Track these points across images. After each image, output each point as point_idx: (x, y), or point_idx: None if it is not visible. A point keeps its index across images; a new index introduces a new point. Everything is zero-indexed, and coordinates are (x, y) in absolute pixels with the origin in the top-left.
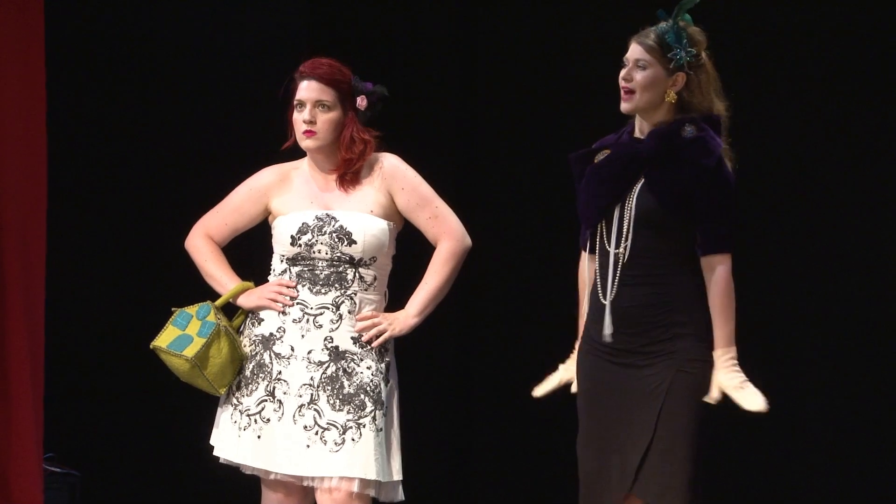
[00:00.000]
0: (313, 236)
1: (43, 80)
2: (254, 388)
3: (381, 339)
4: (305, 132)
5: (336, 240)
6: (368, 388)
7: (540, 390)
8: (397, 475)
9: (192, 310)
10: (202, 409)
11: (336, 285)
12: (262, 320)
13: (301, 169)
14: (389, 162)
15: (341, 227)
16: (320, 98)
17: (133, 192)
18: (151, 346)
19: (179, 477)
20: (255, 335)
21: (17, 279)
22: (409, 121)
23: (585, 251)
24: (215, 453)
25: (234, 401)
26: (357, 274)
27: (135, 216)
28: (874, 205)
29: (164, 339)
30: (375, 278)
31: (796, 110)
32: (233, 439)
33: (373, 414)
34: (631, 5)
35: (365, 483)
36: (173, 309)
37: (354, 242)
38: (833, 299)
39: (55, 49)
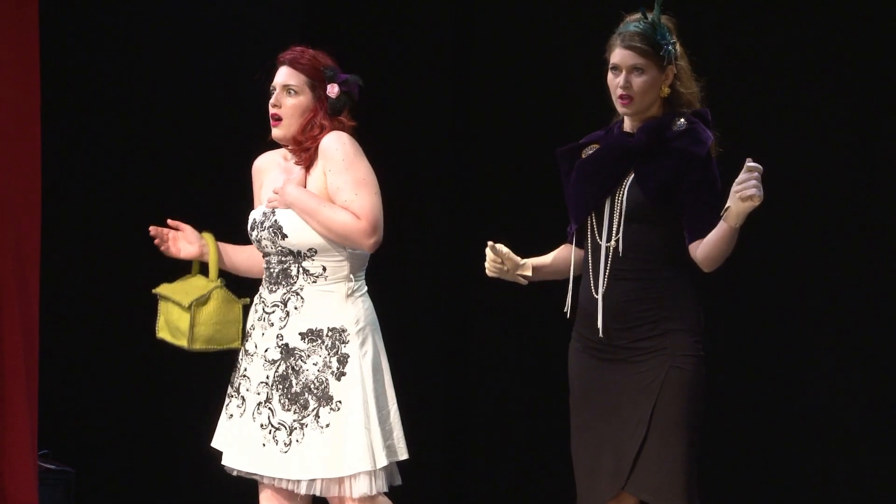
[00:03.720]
0: (258, 232)
1: (37, 77)
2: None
3: (274, 205)
4: (272, 116)
5: (273, 234)
6: (312, 386)
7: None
8: (354, 468)
9: None
10: (198, 406)
11: (283, 282)
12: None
13: (289, 155)
14: (324, 141)
15: (276, 221)
16: (287, 82)
17: (128, 188)
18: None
19: (174, 474)
20: (246, 330)
21: (12, 276)
22: (401, 117)
23: (570, 244)
24: (213, 444)
25: (230, 391)
26: (300, 268)
27: (130, 213)
28: (876, 198)
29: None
30: (325, 268)
31: (783, 100)
32: (222, 431)
33: (315, 412)
34: (618, 1)
35: (311, 484)
36: None
37: (286, 236)
38: (835, 297)
39: (49, 47)
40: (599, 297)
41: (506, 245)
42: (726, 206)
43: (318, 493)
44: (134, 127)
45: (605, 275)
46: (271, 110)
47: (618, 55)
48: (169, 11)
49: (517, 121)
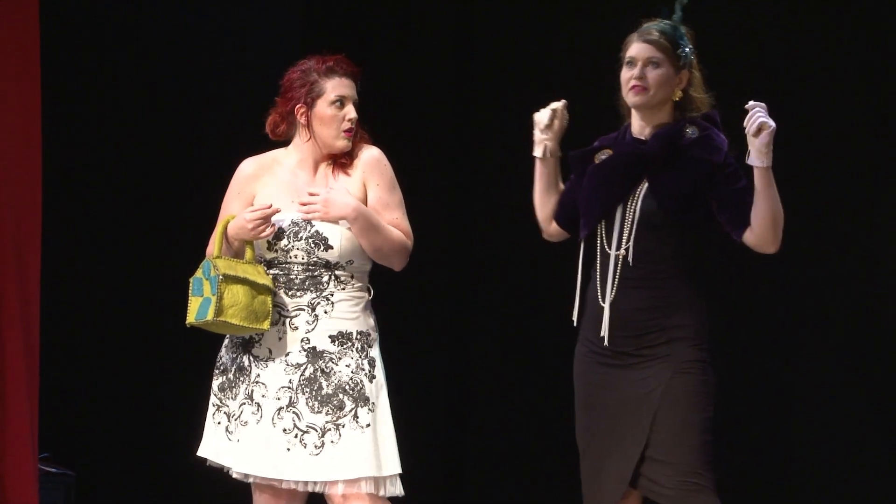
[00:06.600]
0: (289, 242)
1: (37, 77)
2: (237, 391)
3: (314, 217)
4: (348, 131)
5: (312, 245)
6: (348, 387)
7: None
8: (391, 469)
9: (199, 273)
10: (197, 409)
11: (311, 289)
12: None
13: (284, 162)
14: (372, 154)
15: (317, 231)
16: (356, 97)
17: (128, 190)
18: (188, 325)
19: (174, 477)
20: (237, 338)
21: (13, 278)
22: (401, 119)
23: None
24: (199, 453)
25: (219, 402)
26: (333, 276)
27: (130, 215)
28: (877, 198)
29: (191, 313)
30: (353, 276)
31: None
32: (220, 442)
33: (353, 412)
34: (627, 3)
35: (352, 483)
36: (189, 280)
37: (331, 248)
38: (836, 295)
39: (50, 49)
40: (606, 306)
41: (504, 246)
42: (747, 152)
43: (363, 491)
44: (135, 127)
45: (612, 283)
46: (347, 125)
47: (634, 48)
48: (169, 12)
49: (517, 122)
